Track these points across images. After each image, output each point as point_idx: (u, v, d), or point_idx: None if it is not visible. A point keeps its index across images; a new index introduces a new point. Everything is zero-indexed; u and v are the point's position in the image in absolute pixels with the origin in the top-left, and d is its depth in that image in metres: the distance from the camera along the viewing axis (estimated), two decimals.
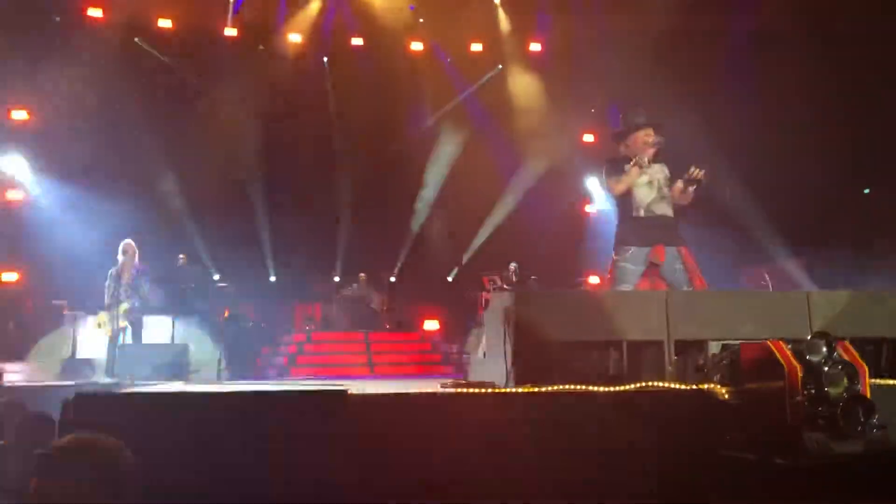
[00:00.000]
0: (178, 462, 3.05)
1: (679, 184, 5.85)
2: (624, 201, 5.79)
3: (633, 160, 5.74)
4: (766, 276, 11.68)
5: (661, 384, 4.49)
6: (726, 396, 4.34)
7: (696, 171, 5.68)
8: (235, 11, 15.94)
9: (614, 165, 5.86)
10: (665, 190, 5.80)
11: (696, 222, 13.55)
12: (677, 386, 4.50)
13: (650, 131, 5.89)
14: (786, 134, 12.52)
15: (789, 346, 4.10)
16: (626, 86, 14.23)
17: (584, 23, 15.85)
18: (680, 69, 13.43)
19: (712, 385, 4.41)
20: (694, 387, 4.45)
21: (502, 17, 16.83)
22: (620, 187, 5.73)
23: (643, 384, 4.44)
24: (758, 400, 4.18)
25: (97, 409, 3.24)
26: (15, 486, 3.03)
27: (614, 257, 5.78)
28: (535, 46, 16.95)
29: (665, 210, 5.77)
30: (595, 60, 15.51)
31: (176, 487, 2.95)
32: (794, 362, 3.98)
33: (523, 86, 16.89)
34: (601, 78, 15.52)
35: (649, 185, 5.78)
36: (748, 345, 4.45)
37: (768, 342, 4.18)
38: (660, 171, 5.85)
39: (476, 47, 16.95)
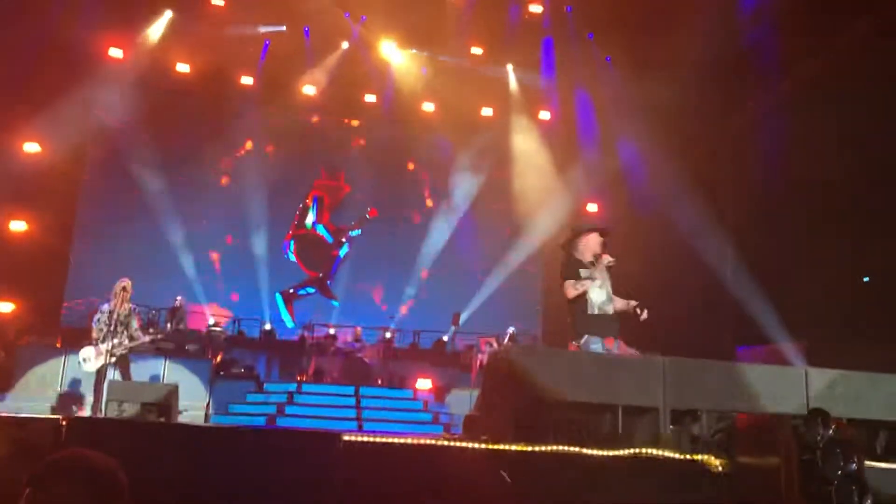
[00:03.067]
0: (168, 491, 3.02)
1: (620, 303, 6.72)
2: (580, 300, 6.58)
3: (589, 274, 6.62)
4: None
5: (655, 452, 4.45)
6: (720, 468, 4.30)
7: (641, 314, 6.59)
8: (262, 61, 16.40)
9: (569, 270, 6.69)
10: (611, 291, 6.68)
11: (693, 299, 13.71)
12: (672, 455, 4.45)
13: (597, 236, 6.82)
14: (792, 218, 12.69)
15: (786, 422, 4.08)
16: (632, 157, 14.48)
17: (594, 94, 16.24)
18: (685, 145, 13.66)
19: (707, 456, 4.37)
20: (688, 457, 4.41)
21: (513, 84, 17.20)
22: (574, 293, 6.58)
23: (637, 450, 4.40)
24: (752, 474, 4.14)
25: (91, 433, 3.22)
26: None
27: (576, 344, 6.46)
28: (544, 115, 17.28)
29: (611, 309, 6.64)
30: (603, 131, 15.82)
31: None
32: (791, 438, 3.96)
33: (530, 151, 17.16)
34: (608, 148, 15.81)
35: (601, 287, 6.62)
36: (745, 418, 4.43)
37: (765, 417, 4.16)
38: (607, 275, 6.75)
39: (486, 112, 17.28)
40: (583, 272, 6.60)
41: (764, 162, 13.08)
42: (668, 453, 4.45)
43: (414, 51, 16.77)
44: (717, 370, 5.42)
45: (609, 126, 16.01)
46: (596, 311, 6.51)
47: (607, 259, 6.69)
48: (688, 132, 13.92)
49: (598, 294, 6.58)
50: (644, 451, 4.38)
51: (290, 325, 17.05)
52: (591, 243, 6.75)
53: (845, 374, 5.32)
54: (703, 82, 13.18)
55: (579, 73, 16.58)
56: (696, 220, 13.13)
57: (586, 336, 6.40)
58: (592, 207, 17.07)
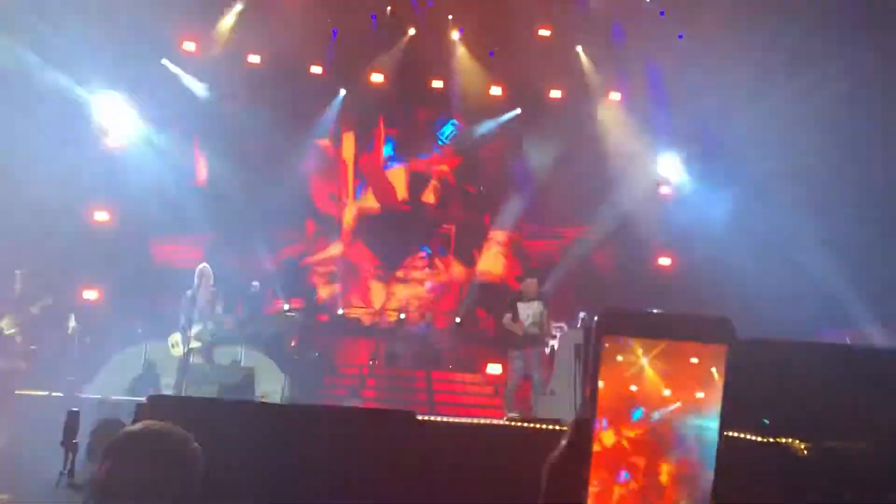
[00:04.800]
0: (245, 465, 3.06)
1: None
2: (515, 326, 10.13)
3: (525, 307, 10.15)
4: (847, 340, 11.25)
5: (739, 435, 4.29)
6: (805, 453, 4.12)
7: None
8: (331, 52, 16.52)
9: (511, 304, 10.31)
10: (538, 319, 10.06)
11: (771, 280, 13.28)
12: (757, 438, 4.29)
13: (535, 281, 10.51)
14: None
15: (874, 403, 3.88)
16: (708, 137, 14.10)
17: (667, 73, 15.87)
18: (766, 122, 13.23)
19: (791, 439, 4.19)
20: (771, 440, 4.24)
21: (583, 65, 16.89)
22: (505, 326, 10.33)
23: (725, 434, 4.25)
24: (841, 459, 3.96)
25: (170, 410, 3.29)
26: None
27: (513, 353, 10.31)
28: (614, 95, 16.93)
29: (535, 330, 10.04)
30: (677, 111, 15.47)
31: (240, 488, 2.95)
32: (881, 419, 3.77)
33: (601, 133, 16.86)
34: (683, 128, 15.46)
35: (528, 315, 9.97)
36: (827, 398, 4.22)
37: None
38: (538, 308, 10.09)
39: (555, 94, 17.03)
40: (520, 305, 10.05)
41: (850, 136, 12.53)
42: (752, 437, 4.29)
43: (481, 35, 16.64)
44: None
45: (684, 106, 15.60)
46: (524, 333, 9.98)
47: (536, 288, 10.43)
48: (769, 108, 13.43)
49: (527, 319, 9.97)
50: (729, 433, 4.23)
51: None
52: (529, 286, 10.31)
53: None
54: (787, 52, 12.70)
55: (651, 52, 16.18)
56: (776, 198, 12.73)
57: (514, 351, 10.19)
58: (665, 190, 16.71)
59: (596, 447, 1.65)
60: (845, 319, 12.28)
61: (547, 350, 13.10)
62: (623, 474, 1.65)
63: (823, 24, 12.60)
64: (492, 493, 3.60)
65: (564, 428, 4.20)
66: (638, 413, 1.65)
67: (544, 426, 4.17)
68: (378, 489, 3.20)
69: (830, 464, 4.03)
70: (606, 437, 1.66)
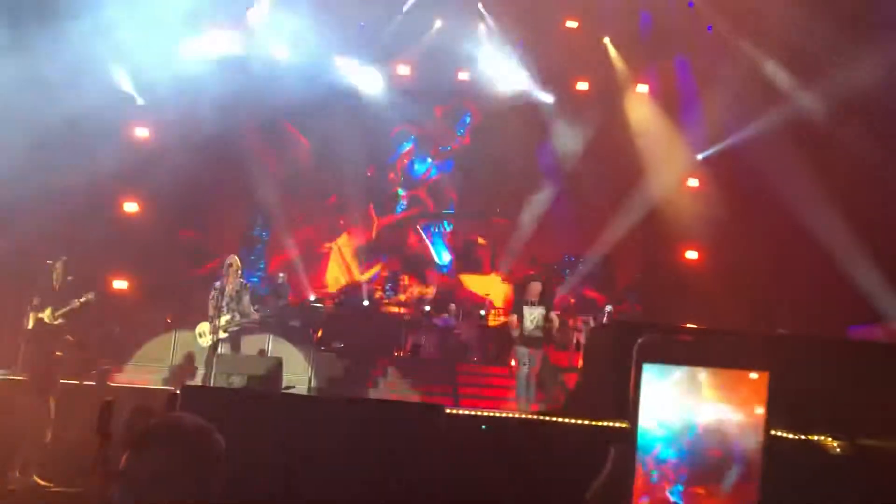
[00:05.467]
0: (273, 456, 3.08)
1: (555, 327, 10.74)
2: (521, 327, 10.37)
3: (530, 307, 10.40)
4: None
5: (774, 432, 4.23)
6: (839, 451, 4.05)
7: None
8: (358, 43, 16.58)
9: (517, 306, 10.68)
10: (539, 322, 10.29)
11: (801, 275, 13.12)
12: (787, 435, 4.24)
13: (539, 284, 10.61)
14: None
15: None
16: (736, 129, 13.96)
17: (695, 65, 15.72)
18: (793, 113, 13.05)
19: (824, 437, 4.12)
20: (802, 437, 4.18)
21: (611, 57, 16.75)
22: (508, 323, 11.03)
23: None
24: (878, 458, 3.89)
25: (201, 401, 3.32)
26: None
27: (516, 348, 10.62)
28: (642, 87, 16.77)
29: (538, 334, 10.33)
30: (705, 103, 15.30)
31: (267, 479, 2.97)
32: None
33: (628, 125, 16.72)
34: (711, 120, 15.29)
35: (531, 320, 10.28)
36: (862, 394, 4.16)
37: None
38: (539, 312, 10.33)
39: (582, 86, 16.92)
40: (525, 308, 10.35)
41: (879, 126, 12.31)
42: (779, 432, 4.23)
43: (508, 26, 16.56)
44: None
45: (711, 97, 15.42)
46: (526, 334, 10.31)
47: (537, 292, 10.49)
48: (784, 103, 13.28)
49: (529, 324, 10.32)
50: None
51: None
52: (532, 289, 10.50)
53: None
54: (811, 43, 12.52)
55: (679, 44, 16.00)
56: (804, 191, 12.56)
57: (519, 347, 10.44)
58: (693, 182, 16.52)
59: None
60: (874, 314, 12.10)
61: (574, 345, 13.08)
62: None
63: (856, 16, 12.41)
64: (519, 486, 3.60)
65: (592, 422, 4.19)
66: (693, 430, 1.65)
67: (571, 421, 4.17)
68: (406, 480, 3.21)
69: (864, 461, 3.97)
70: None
